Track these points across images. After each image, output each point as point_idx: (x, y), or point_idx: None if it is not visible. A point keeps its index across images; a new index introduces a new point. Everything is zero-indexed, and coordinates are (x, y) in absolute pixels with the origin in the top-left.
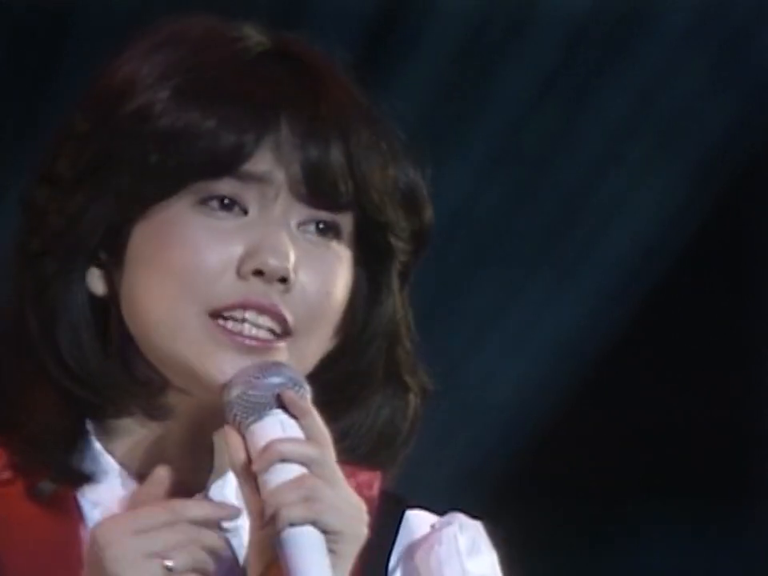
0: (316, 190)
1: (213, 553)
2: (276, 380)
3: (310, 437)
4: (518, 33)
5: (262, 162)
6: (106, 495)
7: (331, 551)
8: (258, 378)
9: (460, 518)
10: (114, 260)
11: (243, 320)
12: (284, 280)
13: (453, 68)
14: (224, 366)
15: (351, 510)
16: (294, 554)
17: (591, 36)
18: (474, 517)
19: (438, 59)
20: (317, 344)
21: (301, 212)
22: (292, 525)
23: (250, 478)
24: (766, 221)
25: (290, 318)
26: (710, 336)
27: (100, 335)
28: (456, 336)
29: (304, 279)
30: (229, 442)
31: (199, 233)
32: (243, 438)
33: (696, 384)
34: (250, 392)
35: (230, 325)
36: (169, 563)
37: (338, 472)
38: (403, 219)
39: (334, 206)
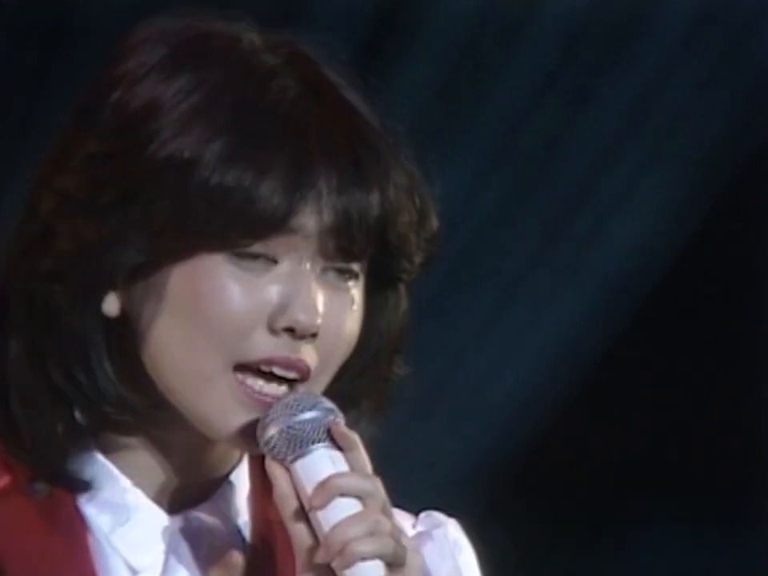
0: (349, 241)
1: None
2: (315, 413)
3: (357, 468)
4: (518, 33)
5: (299, 216)
6: (110, 502)
7: None
8: (299, 411)
9: (441, 517)
10: (135, 290)
11: (268, 373)
12: (314, 335)
13: (453, 68)
14: (235, 419)
15: (407, 541)
16: None
17: (591, 36)
18: (450, 515)
19: (438, 59)
20: (327, 379)
21: (328, 259)
22: (363, 560)
23: (300, 514)
24: (767, 221)
25: (312, 366)
26: (710, 336)
27: (112, 356)
28: (456, 336)
29: (327, 326)
30: (275, 479)
31: (230, 286)
32: (288, 472)
33: (696, 384)
34: (294, 426)
35: (249, 381)
36: None
37: (388, 502)
38: (418, 247)
39: (361, 258)
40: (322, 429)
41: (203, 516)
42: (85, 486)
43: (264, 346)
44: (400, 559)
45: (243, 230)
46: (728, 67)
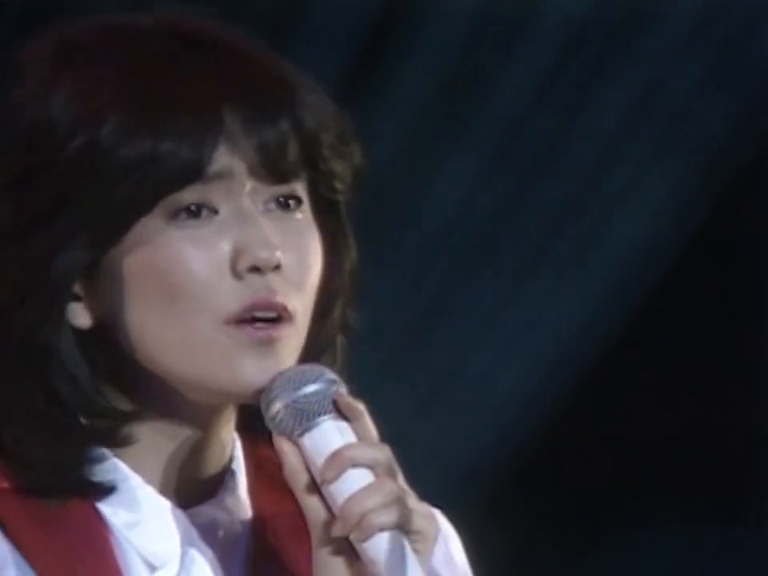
0: (275, 169)
1: None
2: (319, 385)
3: (365, 437)
4: (519, 33)
5: (219, 160)
6: (124, 501)
7: (415, 551)
8: (303, 384)
9: (428, 506)
10: (95, 293)
11: (251, 318)
12: (278, 267)
13: (453, 68)
14: (251, 370)
15: (423, 507)
16: (386, 559)
17: (591, 36)
18: (450, 514)
19: (438, 59)
20: (306, 318)
21: (263, 193)
22: (382, 530)
23: (312, 488)
24: (767, 221)
25: (288, 304)
26: (710, 336)
27: (94, 368)
28: (455, 336)
29: (287, 258)
30: (285, 454)
31: (181, 248)
32: (296, 446)
33: (697, 384)
34: (299, 400)
35: (238, 327)
36: None
37: (399, 470)
38: (343, 162)
39: (293, 177)
40: (327, 400)
41: (212, 510)
42: (104, 491)
43: (238, 294)
44: (418, 527)
45: (163, 188)
46: (728, 67)
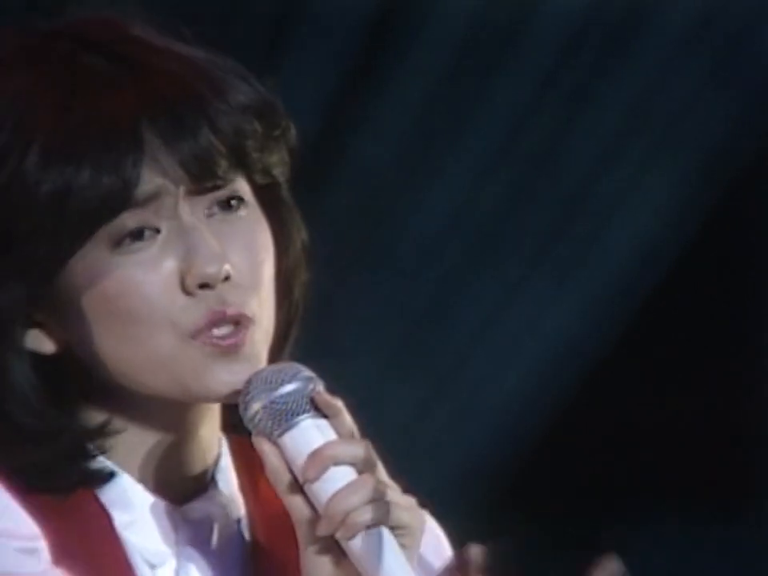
0: (204, 179)
1: None
2: (296, 384)
3: (344, 434)
4: (519, 32)
5: (147, 181)
6: (118, 500)
7: (401, 545)
8: (280, 384)
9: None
10: (55, 320)
11: (213, 331)
12: (227, 278)
13: (453, 67)
14: (222, 376)
15: (407, 500)
16: (373, 555)
17: (591, 36)
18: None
19: (438, 59)
20: (270, 312)
21: (202, 202)
22: (367, 527)
23: (294, 487)
24: (767, 221)
25: (245, 310)
26: (711, 336)
27: (59, 390)
28: (456, 336)
29: (236, 260)
30: (266, 455)
31: (128, 274)
32: (276, 446)
33: (697, 384)
34: (277, 400)
35: (204, 339)
36: None
37: (380, 464)
38: (275, 146)
39: (226, 181)
40: (304, 399)
41: (204, 506)
42: (101, 479)
43: (193, 311)
44: (403, 522)
45: (97, 220)
46: (728, 67)
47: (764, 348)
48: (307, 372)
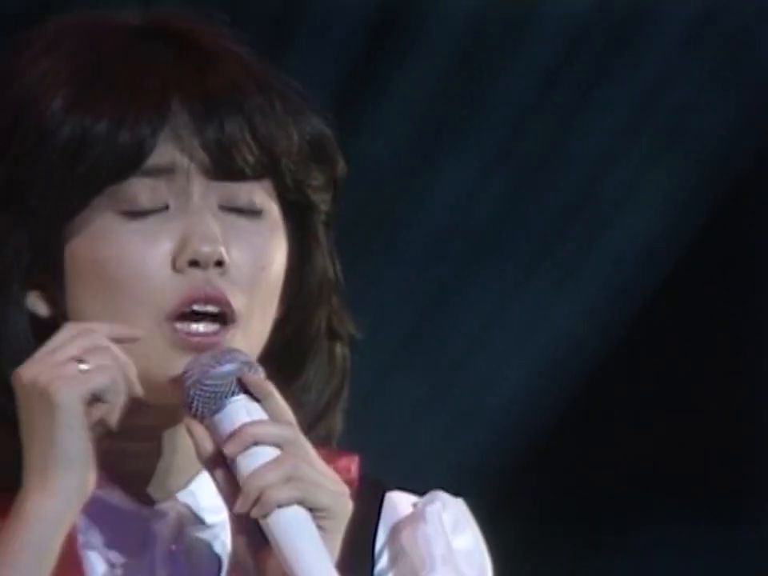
0: (224, 166)
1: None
2: (230, 366)
3: (276, 417)
4: (520, 31)
5: (164, 153)
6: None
7: (320, 528)
8: (213, 367)
9: (442, 496)
10: (52, 280)
11: (192, 313)
12: (220, 263)
13: (454, 67)
14: (180, 370)
15: (334, 485)
16: (285, 534)
17: (592, 35)
18: (456, 495)
19: (439, 59)
20: (262, 323)
21: (219, 192)
22: (280, 506)
23: (221, 467)
24: None
25: (233, 301)
26: (712, 336)
27: None
28: (456, 336)
29: (237, 257)
30: (194, 435)
31: (128, 240)
32: (208, 429)
33: (698, 384)
34: (208, 382)
35: (178, 325)
36: (83, 366)
37: (310, 449)
38: (317, 171)
39: (247, 177)
40: (235, 382)
41: (180, 506)
42: None
43: (177, 287)
44: (322, 503)
45: (101, 175)
46: (729, 67)
47: (764, 348)
48: (245, 357)
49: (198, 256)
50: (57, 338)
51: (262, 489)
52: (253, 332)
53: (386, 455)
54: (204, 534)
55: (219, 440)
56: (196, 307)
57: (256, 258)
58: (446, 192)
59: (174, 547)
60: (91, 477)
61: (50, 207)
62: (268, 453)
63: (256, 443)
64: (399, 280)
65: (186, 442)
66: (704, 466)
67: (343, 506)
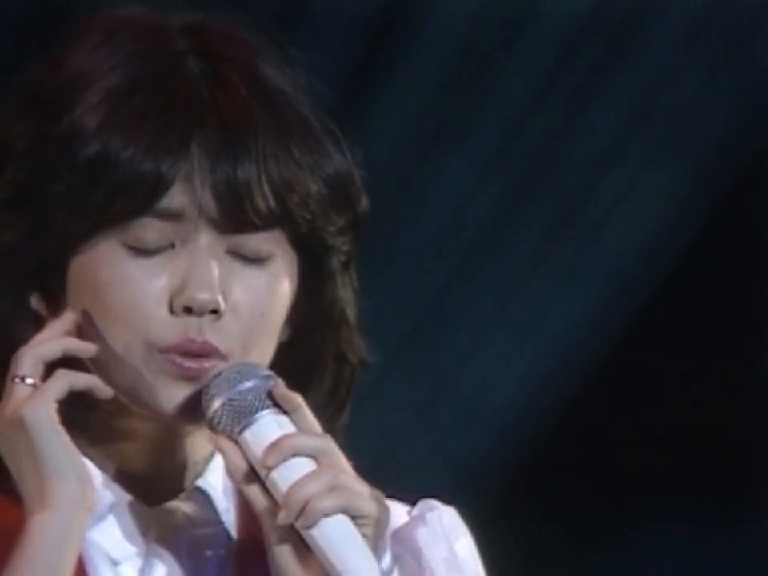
0: (233, 218)
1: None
2: (256, 381)
3: (305, 429)
4: (519, 31)
5: (176, 196)
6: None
7: (364, 536)
8: (240, 382)
9: (437, 504)
10: (56, 285)
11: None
12: (215, 311)
13: (454, 67)
14: (173, 394)
15: (372, 493)
16: (334, 543)
17: (592, 35)
18: (447, 503)
19: (439, 58)
20: (259, 355)
21: (226, 240)
22: (327, 515)
23: (253, 481)
24: None
25: (221, 346)
26: (712, 336)
27: None
28: (456, 336)
29: (236, 300)
30: (223, 451)
31: (129, 272)
32: (237, 444)
33: (698, 383)
34: (236, 398)
35: (172, 356)
36: (29, 380)
37: (343, 459)
38: (335, 215)
39: (257, 226)
40: (263, 395)
41: (183, 505)
42: None
43: (170, 329)
44: (364, 511)
45: (118, 204)
46: (729, 67)
47: (765, 348)
48: (266, 371)
49: (193, 303)
50: None
51: (307, 499)
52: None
53: (385, 455)
54: (208, 535)
55: (252, 454)
56: (181, 358)
57: (256, 305)
58: (446, 192)
59: (178, 548)
60: (89, 487)
61: (61, 226)
62: (304, 464)
63: (295, 454)
64: (399, 280)
65: (187, 442)
66: (704, 466)
67: (382, 513)
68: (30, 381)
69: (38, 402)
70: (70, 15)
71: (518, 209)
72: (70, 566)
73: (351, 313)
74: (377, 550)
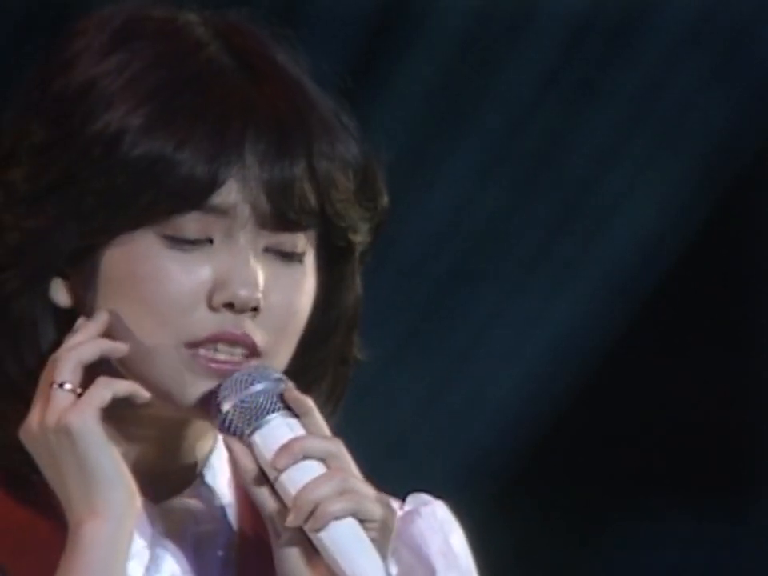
0: (281, 217)
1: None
2: (267, 383)
3: (316, 432)
4: (520, 30)
5: (228, 194)
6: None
7: (372, 540)
8: (251, 384)
9: (428, 498)
10: (81, 277)
11: (216, 350)
12: (255, 309)
13: (454, 65)
14: (201, 390)
15: (380, 498)
16: (342, 547)
17: (592, 34)
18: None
19: (440, 57)
20: (285, 355)
21: (267, 238)
22: (336, 518)
23: (263, 483)
24: None
25: (259, 341)
26: (712, 335)
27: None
28: (456, 336)
29: (273, 300)
30: (233, 452)
31: (168, 267)
32: (247, 446)
33: (698, 381)
34: (248, 399)
35: (201, 352)
36: (67, 386)
37: (353, 462)
38: (362, 218)
39: (301, 224)
40: (275, 398)
41: (187, 502)
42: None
43: (207, 323)
44: (374, 515)
45: (168, 203)
46: (729, 66)
47: (765, 348)
48: (277, 374)
49: (236, 299)
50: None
51: (317, 502)
52: (273, 364)
53: (385, 453)
54: (213, 529)
55: (261, 456)
56: (220, 347)
57: (290, 304)
58: (447, 190)
59: (183, 542)
60: (136, 494)
61: (102, 220)
62: (314, 467)
63: (305, 457)
64: (399, 279)
65: (191, 439)
66: (704, 463)
67: (390, 518)
68: (68, 386)
69: (85, 411)
70: (70, 15)
71: (518, 208)
72: (122, 572)
73: (358, 313)
74: (384, 553)
